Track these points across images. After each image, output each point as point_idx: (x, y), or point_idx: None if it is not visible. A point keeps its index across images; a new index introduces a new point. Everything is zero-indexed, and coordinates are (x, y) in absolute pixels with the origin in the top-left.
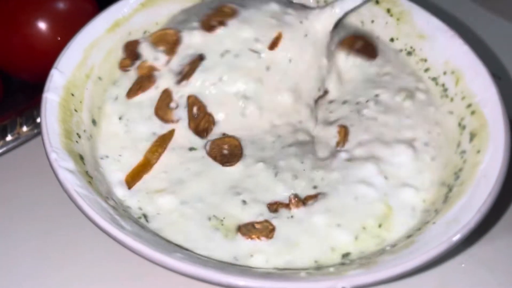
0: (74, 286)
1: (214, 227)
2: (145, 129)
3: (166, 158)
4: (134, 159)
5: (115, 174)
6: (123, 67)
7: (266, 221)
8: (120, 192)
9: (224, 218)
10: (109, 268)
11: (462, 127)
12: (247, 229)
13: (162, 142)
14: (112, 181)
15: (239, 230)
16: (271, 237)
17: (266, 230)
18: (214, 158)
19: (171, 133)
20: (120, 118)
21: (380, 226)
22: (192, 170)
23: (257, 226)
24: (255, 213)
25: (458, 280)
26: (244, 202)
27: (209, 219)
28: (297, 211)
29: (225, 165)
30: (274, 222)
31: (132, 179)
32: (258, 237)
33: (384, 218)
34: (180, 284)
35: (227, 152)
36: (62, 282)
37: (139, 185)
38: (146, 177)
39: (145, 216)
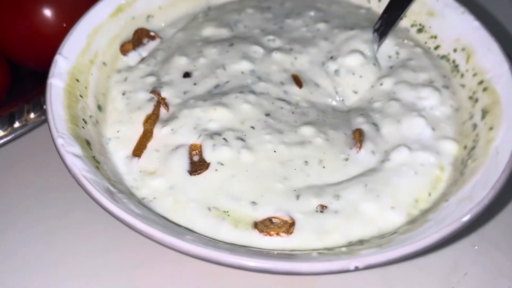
0: (83, 271)
1: (218, 217)
2: (144, 95)
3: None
4: (131, 131)
5: (118, 153)
6: (124, 51)
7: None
8: (124, 172)
9: (228, 211)
10: (119, 253)
11: (474, 100)
12: (264, 225)
13: (153, 114)
14: (117, 164)
15: (255, 226)
16: (291, 233)
17: (286, 225)
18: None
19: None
20: (123, 94)
21: (430, 194)
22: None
23: (275, 220)
24: (271, 210)
25: (471, 262)
26: (254, 203)
27: (209, 209)
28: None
29: (193, 174)
30: (296, 215)
31: (138, 150)
32: (278, 233)
33: (435, 182)
34: (192, 270)
35: (198, 158)
36: (71, 267)
37: (135, 165)
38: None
39: (144, 199)
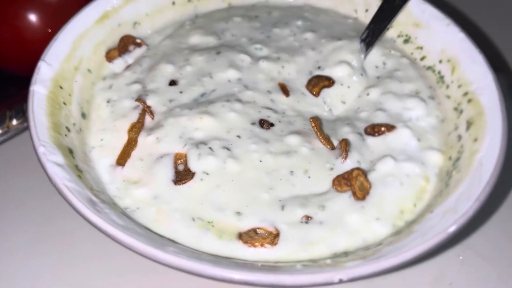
0: (68, 279)
1: (202, 227)
2: (129, 103)
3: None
4: (115, 139)
5: (102, 162)
6: (110, 57)
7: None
8: (107, 181)
9: (212, 221)
10: (103, 260)
11: (459, 111)
12: (249, 236)
13: (138, 123)
14: (100, 172)
15: (240, 237)
16: (275, 244)
17: (270, 236)
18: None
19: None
20: (108, 101)
21: (415, 205)
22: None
23: (260, 231)
24: (256, 221)
25: (456, 272)
26: (238, 213)
27: (193, 219)
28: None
29: (177, 183)
30: (281, 226)
31: (122, 159)
32: (262, 245)
33: (420, 193)
34: (179, 277)
35: (183, 167)
36: (55, 275)
37: (119, 174)
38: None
39: (128, 209)
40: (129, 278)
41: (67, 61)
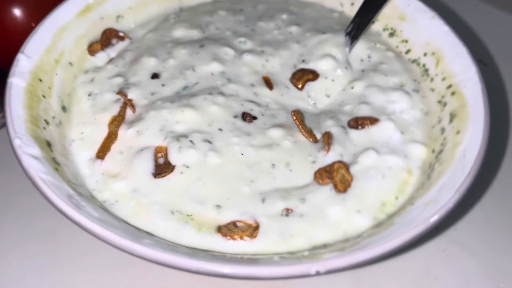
0: (54, 276)
1: (181, 220)
2: (110, 96)
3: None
4: (96, 133)
5: (81, 155)
6: (92, 51)
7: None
8: (86, 174)
9: (192, 215)
10: (88, 256)
11: (443, 104)
12: (228, 229)
13: (118, 116)
14: (80, 166)
15: (219, 230)
16: (255, 236)
17: (250, 229)
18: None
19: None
20: (89, 95)
21: (397, 198)
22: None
23: (239, 224)
24: (235, 213)
25: (442, 267)
26: (218, 206)
27: (172, 213)
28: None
29: (157, 177)
30: (261, 219)
31: (102, 152)
32: (241, 237)
33: (402, 186)
34: (164, 272)
35: (163, 161)
36: (40, 275)
37: (98, 167)
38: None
39: (106, 202)
40: (118, 275)
41: (47, 54)
